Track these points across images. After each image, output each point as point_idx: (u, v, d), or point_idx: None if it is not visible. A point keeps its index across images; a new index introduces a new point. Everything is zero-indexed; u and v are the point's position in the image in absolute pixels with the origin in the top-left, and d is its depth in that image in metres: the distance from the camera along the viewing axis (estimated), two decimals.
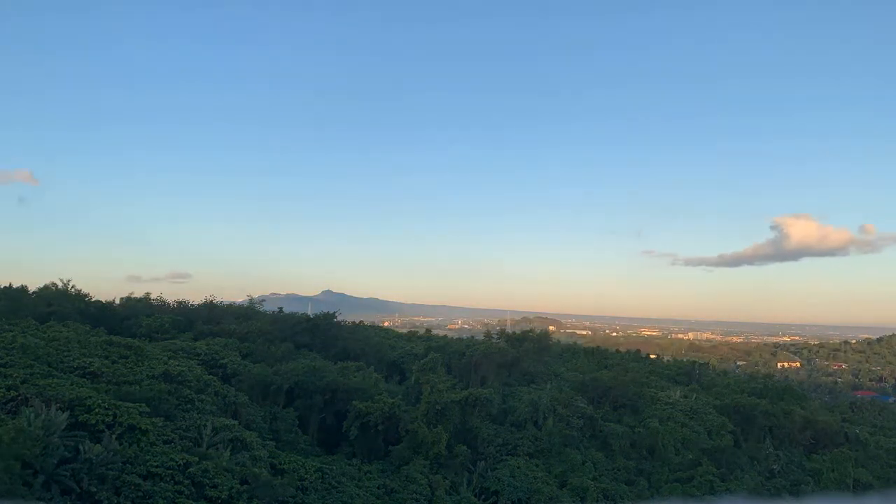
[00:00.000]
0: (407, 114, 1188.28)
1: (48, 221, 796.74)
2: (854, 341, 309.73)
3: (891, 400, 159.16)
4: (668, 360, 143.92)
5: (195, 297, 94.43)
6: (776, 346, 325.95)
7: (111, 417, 35.98)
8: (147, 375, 45.60)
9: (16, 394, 35.57)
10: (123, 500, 31.88)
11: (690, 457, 65.53)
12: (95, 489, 31.28)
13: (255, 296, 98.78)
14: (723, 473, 62.22)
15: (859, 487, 65.86)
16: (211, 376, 52.88)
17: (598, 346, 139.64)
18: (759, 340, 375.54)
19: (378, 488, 45.42)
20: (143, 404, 38.92)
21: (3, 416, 32.35)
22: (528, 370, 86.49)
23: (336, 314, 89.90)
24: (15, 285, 77.97)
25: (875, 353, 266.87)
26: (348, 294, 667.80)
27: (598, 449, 63.46)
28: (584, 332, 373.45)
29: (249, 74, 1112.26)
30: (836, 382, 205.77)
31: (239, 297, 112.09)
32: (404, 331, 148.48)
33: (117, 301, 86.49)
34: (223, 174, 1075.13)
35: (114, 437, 34.49)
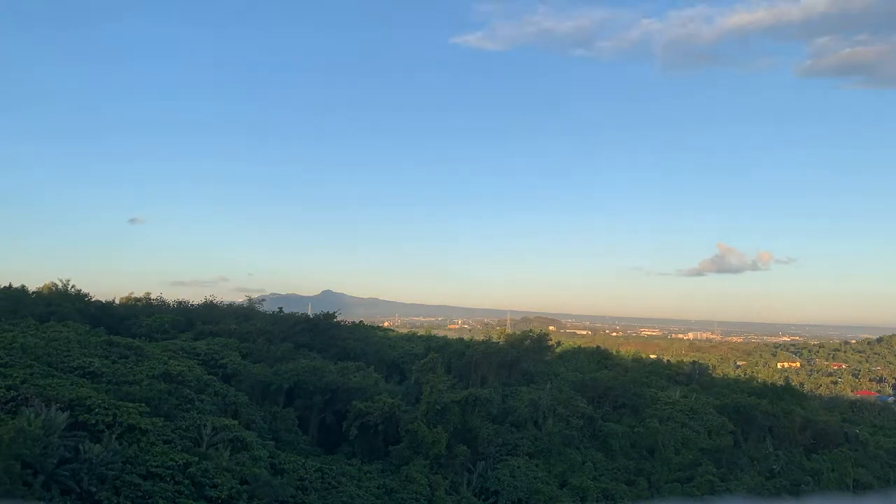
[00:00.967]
0: (406, 113, 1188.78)
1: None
2: (854, 341, 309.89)
3: (891, 400, 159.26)
4: (668, 360, 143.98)
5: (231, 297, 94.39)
6: (776, 346, 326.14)
7: (111, 417, 35.99)
8: (147, 375, 45.59)
9: (16, 394, 35.55)
10: (123, 500, 31.88)
11: (690, 457, 65.56)
12: (95, 489, 31.29)
13: (255, 296, 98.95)
14: (723, 473, 62.23)
15: (859, 487, 65.86)
16: (211, 376, 52.91)
17: (599, 347, 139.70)
18: (758, 340, 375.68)
19: (378, 488, 45.43)
20: (143, 404, 38.94)
21: (3, 416, 32.35)
22: (527, 370, 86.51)
23: (336, 314, 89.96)
24: (15, 285, 78.13)
25: (875, 353, 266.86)
26: (348, 294, 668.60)
27: (598, 449, 63.50)
28: (584, 332, 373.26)
29: (248, 75, 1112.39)
30: (836, 382, 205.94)
31: (239, 298, 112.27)
32: (404, 331, 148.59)
33: (117, 301, 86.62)
34: (223, 174, 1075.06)
35: (114, 437, 34.50)
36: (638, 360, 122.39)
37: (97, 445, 32.94)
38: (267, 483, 37.00)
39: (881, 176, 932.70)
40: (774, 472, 66.02)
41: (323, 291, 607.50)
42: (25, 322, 58.32)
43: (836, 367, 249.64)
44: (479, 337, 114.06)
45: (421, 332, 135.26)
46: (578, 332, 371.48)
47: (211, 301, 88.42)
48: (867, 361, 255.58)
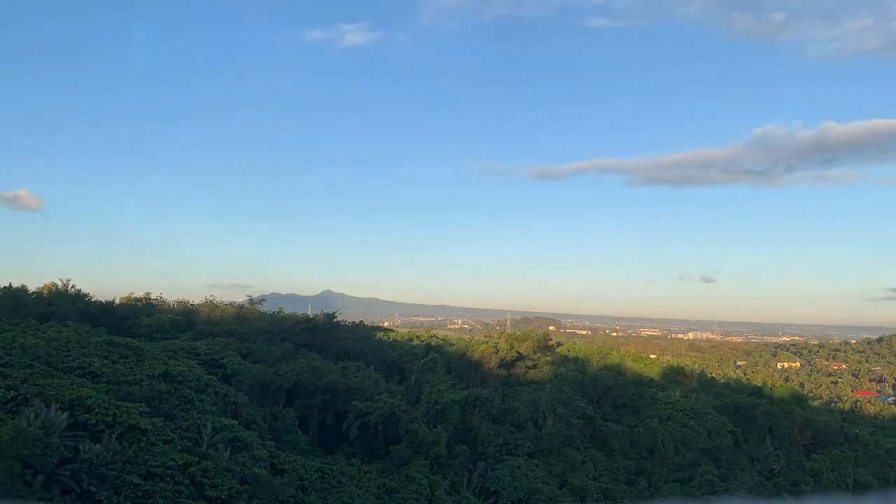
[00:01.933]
0: (406, 113, 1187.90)
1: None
2: (854, 341, 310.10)
3: (891, 400, 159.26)
4: (667, 360, 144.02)
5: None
6: (776, 346, 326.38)
7: (111, 417, 35.99)
8: (147, 375, 45.58)
9: (16, 394, 35.55)
10: (123, 500, 31.87)
11: (690, 457, 65.55)
12: (95, 489, 31.28)
13: (255, 296, 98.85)
14: (723, 473, 62.23)
15: (859, 487, 65.81)
16: (211, 376, 52.91)
17: (599, 347, 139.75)
18: (758, 340, 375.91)
19: (378, 488, 45.43)
20: (143, 404, 38.93)
21: (3, 416, 32.35)
22: (528, 369, 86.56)
23: (336, 314, 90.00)
24: (15, 285, 78.08)
25: (875, 353, 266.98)
26: (348, 294, 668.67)
27: (598, 449, 63.50)
28: (584, 332, 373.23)
29: (249, 73, 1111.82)
30: (836, 382, 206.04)
31: (239, 298, 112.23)
32: (404, 331, 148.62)
33: (117, 301, 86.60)
34: (223, 174, 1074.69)
35: (114, 437, 34.50)
36: (638, 360, 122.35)
37: (97, 445, 32.95)
38: (267, 483, 37.01)
39: None
40: (774, 472, 66.01)
41: (323, 291, 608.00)
42: (25, 322, 58.30)
43: (836, 368, 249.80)
44: (479, 337, 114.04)
45: (421, 332, 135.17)
46: (578, 332, 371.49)
47: (211, 301, 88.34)
48: (867, 361, 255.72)
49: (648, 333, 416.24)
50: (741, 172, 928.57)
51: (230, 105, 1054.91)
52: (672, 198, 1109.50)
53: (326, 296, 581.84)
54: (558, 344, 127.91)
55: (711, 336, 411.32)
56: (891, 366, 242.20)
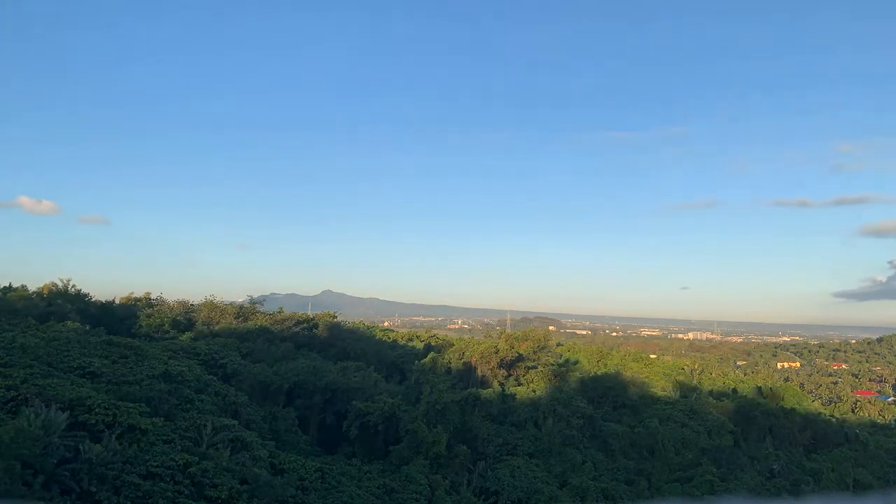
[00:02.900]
0: (405, 112, 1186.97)
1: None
2: (854, 341, 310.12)
3: (891, 400, 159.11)
4: (667, 360, 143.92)
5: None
6: (776, 346, 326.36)
7: (111, 417, 35.95)
8: (147, 375, 45.54)
9: (16, 394, 35.51)
10: (123, 500, 31.83)
11: (690, 457, 65.53)
12: (95, 489, 31.24)
13: (255, 296, 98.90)
14: (723, 473, 62.19)
15: (859, 487, 65.78)
16: (211, 376, 52.84)
17: (599, 347, 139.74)
18: (758, 340, 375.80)
19: (378, 488, 45.38)
20: (143, 404, 38.88)
21: (3, 416, 32.33)
22: (527, 369, 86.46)
23: (336, 314, 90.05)
24: (15, 285, 78.10)
25: (875, 353, 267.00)
26: (348, 294, 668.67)
27: (598, 449, 63.46)
28: (584, 332, 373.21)
29: (248, 76, 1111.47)
30: (836, 382, 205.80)
31: (239, 298, 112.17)
32: (404, 331, 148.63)
33: (117, 301, 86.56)
34: (224, 174, 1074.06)
35: (114, 437, 34.46)
36: (638, 360, 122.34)
37: (97, 445, 32.91)
38: (267, 483, 36.98)
39: None
40: (774, 472, 65.99)
41: (323, 291, 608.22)
42: (25, 322, 58.30)
43: (836, 368, 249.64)
44: (479, 337, 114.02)
45: (421, 332, 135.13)
46: (578, 332, 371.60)
47: (211, 301, 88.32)
48: (867, 361, 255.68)
49: (648, 333, 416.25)
50: None
51: (231, 105, 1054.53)
52: None
53: (326, 296, 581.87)
54: (558, 344, 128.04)
55: (711, 336, 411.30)
56: (891, 366, 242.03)
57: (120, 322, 75.63)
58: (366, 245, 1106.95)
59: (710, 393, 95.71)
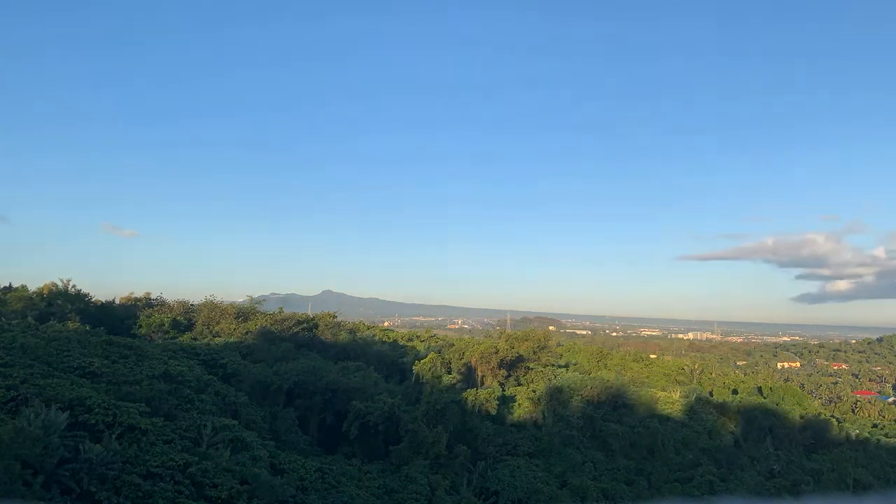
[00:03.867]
0: (405, 112, 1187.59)
1: None
2: (854, 341, 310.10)
3: (891, 400, 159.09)
4: (667, 360, 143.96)
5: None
6: (776, 346, 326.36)
7: (111, 417, 35.94)
8: (147, 375, 45.55)
9: (16, 394, 35.49)
10: (123, 500, 31.82)
11: (690, 457, 65.55)
12: (95, 489, 31.23)
13: (255, 296, 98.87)
14: (723, 473, 62.21)
15: (859, 487, 65.81)
16: (211, 376, 52.84)
17: (599, 347, 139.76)
18: (758, 340, 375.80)
19: (378, 488, 45.39)
20: (143, 404, 38.86)
21: (3, 416, 32.31)
22: (528, 369, 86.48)
23: (336, 314, 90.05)
24: (15, 285, 78.14)
25: (875, 353, 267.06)
26: (348, 294, 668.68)
27: (598, 449, 63.47)
28: (584, 332, 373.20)
29: (249, 75, 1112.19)
30: (836, 382, 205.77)
31: (239, 298, 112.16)
32: (404, 331, 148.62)
33: (117, 301, 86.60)
34: (224, 174, 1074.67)
35: (114, 437, 34.44)
36: (638, 360, 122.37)
37: (97, 445, 32.88)
38: (267, 483, 36.97)
39: None
40: (774, 472, 66.00)
41: (323, 291, 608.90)
42: (25, 322, 58.31)
43: (836, 368, 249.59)
44: (479, 337, 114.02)
45: (421, 332, 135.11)
46: (578, 332, 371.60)
47: (211, 301, 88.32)
48: (867, 361, 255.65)
49: (648, 333, 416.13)
50: None
51: (231, 105, 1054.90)
52: None
53: (326, 296, 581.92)
54: (558, 344, 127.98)
55: (711, 336, 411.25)
56: (891, 366, 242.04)
57: (120, 322, 75.65)
58: (366, 245, 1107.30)
59: (711, 393, 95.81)
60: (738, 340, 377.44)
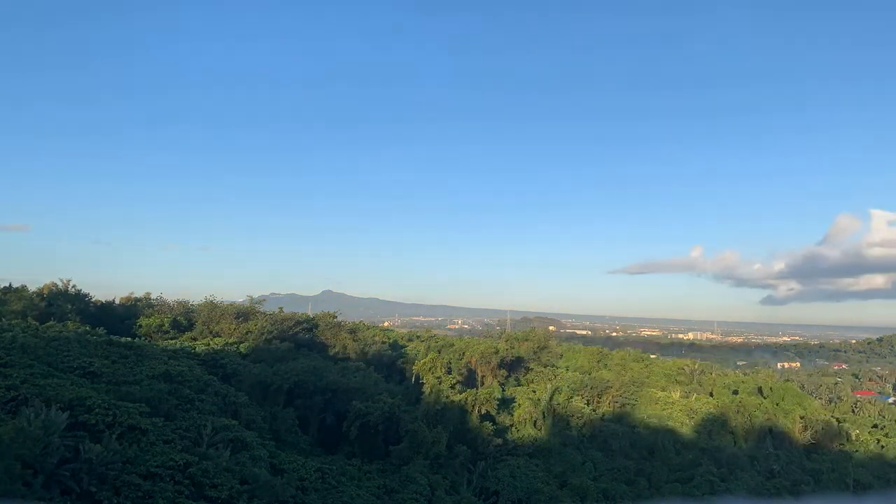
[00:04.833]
0: (405, 112, 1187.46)
1: None
2: (854, 341, 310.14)
3: (891, 400, 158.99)
4: (667, 360, 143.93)
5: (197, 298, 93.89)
6: (776, 346, 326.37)
7: (111, 417, 35.96)
8: (147, 375, 45.59)
9: (16, 394, 35.52)
10: (123, 500, 31.84)
11: (690, 457, 65.56)
12: (95, 489, 31.25)
13: (255, 296, 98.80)
14: (723, 473, 62.24)
15: (859, 487, 65.83)
16: (211, 376, 52.86)
17: (599, 347, 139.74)
18: (759, 340, 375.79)
19: (378, 488, 45.42)
20: (143, 404, 38.89)
21: (3, 416, 32.33)
22: (528, 369, 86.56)
23: (336, 314, 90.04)
24: (15, 285, 78.06)
25: (875, 353, 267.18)
26: (348, 294, 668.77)
27: (597, 449, 63.51)
28: (584, 332, 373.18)
29: (248, 75, 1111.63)
30: (836, 382, 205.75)
31: (239, 298, 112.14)
32: (404, 331, 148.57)
33: (117, 301, 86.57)
34: (224, 174, 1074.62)
35: (114, 437, 34.46)
36: (638, 360, 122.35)
37: (97, 445, 32.89)
38: (267, 483, 36.99)
39: None
40: (774, 472, 66.03)
41: (323, 291, 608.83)
42: (25, 322, 58.32)
43: (836, 368, 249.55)
44: (479, 337, 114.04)
45: (421, 332, 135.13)
46: (578, 332, 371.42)
47: (211, 301, 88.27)
48: (868, 361, 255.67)
49: (648, 333, 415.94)
50: None
51: (232, 104, 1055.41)
52: None
53: (326, 296, 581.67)
54: (558, 344, 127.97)
55: (711, 336, 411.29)
56: (891, 366, 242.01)
57: (120, 322, 75.59)
58: (366, 245, 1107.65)
59: (711, 394, 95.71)
60: (738, 340, 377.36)
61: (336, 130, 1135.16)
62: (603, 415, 71.51)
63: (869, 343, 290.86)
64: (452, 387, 63.09)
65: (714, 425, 74.42)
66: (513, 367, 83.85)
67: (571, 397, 71.34)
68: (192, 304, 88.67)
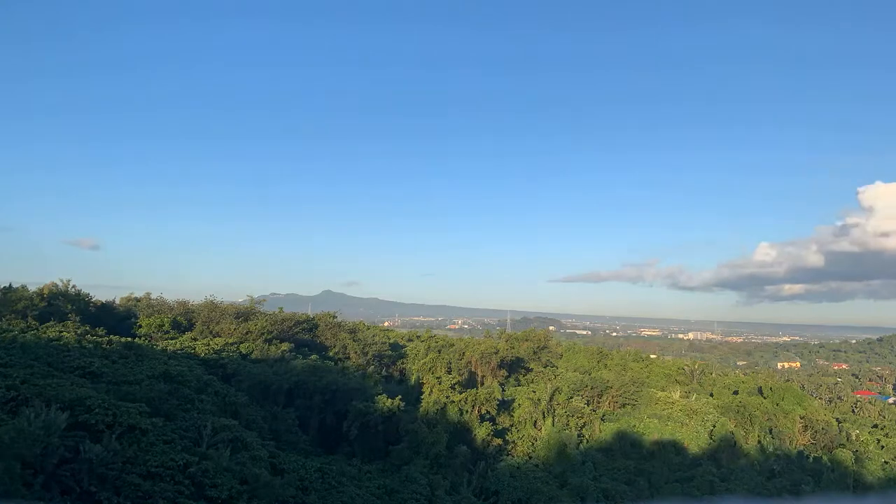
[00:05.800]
0: (406, 114, 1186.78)
1: None
2: (854, 341, 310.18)
3: (891, 400, 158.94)
4: (667, 360, 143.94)
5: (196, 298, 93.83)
6: (776, 346, 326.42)
7: (111, 417, 35.95)
8: (147, 375, 45.56)
9: (16, 394, 35.51)
10: (123, 500, 31.83)
11: (690, 457, 65.55)
12: (95, 489, 31.25)
13: (256, 296, 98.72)
14: (723, 473, 62.23)
15: (859, 487, 65.82)
16: (211, 376, 52.87)
17: (599, 347, 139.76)
18: (759, 340, 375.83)
19: (378, 488, 45.41)
20: (143, 404, 38.89)
21: (3, 416, 32.31)
22: (528, 370, 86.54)
23: (336, 314, 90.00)
24: (15, 285, 78.00)
25: (875, 353, 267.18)
26: (348, 294, 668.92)
27: (597, 449, 63.51)
28: (584, 332, 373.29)
29: (248, 72, 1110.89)
30: (836, 382, 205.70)
31: (239, 298, 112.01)
32: (404, 331, 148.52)
33: (117, 301, 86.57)
34: (224, 175, 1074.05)
35: (114, 437, 34.45)
36: (638, 360, 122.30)
37: (97, 445, 32.88)
38: (267, 483, 36.99)
39: None
40: (774, 472, 66.00)
41: (323, 291, 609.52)
42: (25, 322, 58.31)
43: (836, 368, 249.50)
44: (479, 337, 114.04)
45: (421, 332, 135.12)
46: (578, 332, 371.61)
47: (211, 301, 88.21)
48: (868, 361, 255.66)
49: (648, 333, 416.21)
50: None
51: (232, 105, 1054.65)
52: None
53: (326, 296, 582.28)
54: (558, 344, 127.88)
55: (711, 336, 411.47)
56: (891, 366, 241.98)
57: (120, 322, 75.57)
58: (365, 245, 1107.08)
59: (711, 394, 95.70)
60: (738, 340, 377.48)
61: (335, 128, 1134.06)
62: (603, 414, 71.48)
63: (869, 343, 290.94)
64: (452, 387, 62.99)
65: (714, 425, 74.35)
66: (513, 367, 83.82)
67: (571, 397, 71.30)
68: (192, 305, 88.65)
